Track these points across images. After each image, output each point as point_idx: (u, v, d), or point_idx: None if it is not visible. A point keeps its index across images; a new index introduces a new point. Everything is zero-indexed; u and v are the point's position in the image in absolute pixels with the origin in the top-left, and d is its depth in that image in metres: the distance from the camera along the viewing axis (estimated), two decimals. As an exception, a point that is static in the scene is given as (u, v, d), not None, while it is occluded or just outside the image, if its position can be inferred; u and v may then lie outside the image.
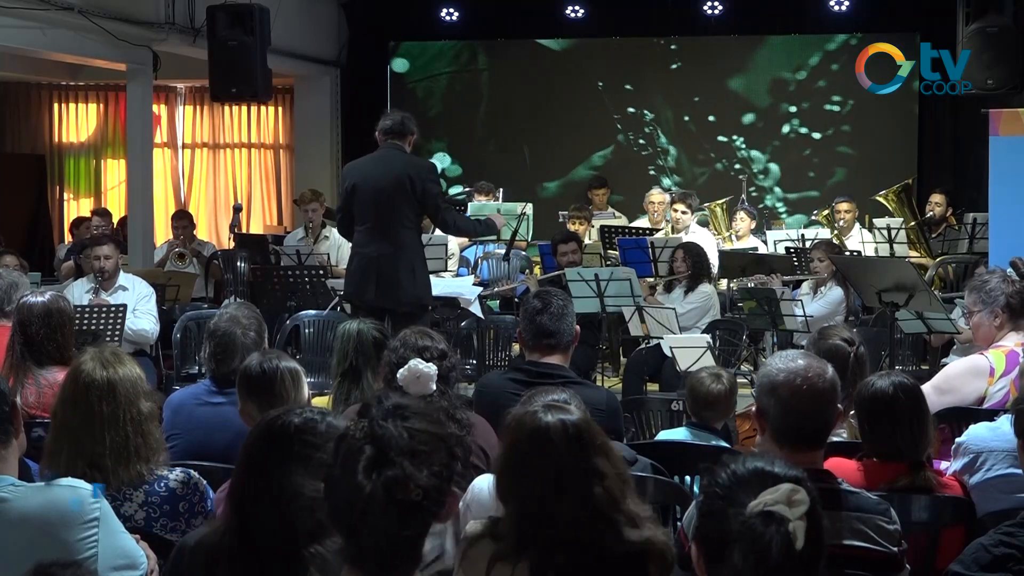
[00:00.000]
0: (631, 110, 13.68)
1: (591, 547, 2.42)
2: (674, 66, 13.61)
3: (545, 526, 2.43)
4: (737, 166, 13.46)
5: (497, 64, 13.99)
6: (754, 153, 13.46)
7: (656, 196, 11.26)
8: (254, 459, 2.47)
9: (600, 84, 13.68)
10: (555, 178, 13.81)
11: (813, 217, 12.08)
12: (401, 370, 3.68)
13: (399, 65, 14.02)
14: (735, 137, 13.46)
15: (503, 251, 10.04)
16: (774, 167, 13.45)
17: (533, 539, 2.44)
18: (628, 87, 13.63)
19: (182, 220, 10.73)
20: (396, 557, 2.01)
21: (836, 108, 13.28)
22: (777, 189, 13.48)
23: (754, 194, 13.10)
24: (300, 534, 2.40)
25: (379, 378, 4.03)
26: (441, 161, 13.79)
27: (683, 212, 10.20)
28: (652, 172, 13.64)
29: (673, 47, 13.57)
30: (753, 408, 3.08)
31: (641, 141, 13.71)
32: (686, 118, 13.61)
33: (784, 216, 13.25)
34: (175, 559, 2.64)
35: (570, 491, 2.44)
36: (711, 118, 13.51)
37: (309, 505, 2.38)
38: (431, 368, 3.70)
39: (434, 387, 3.73)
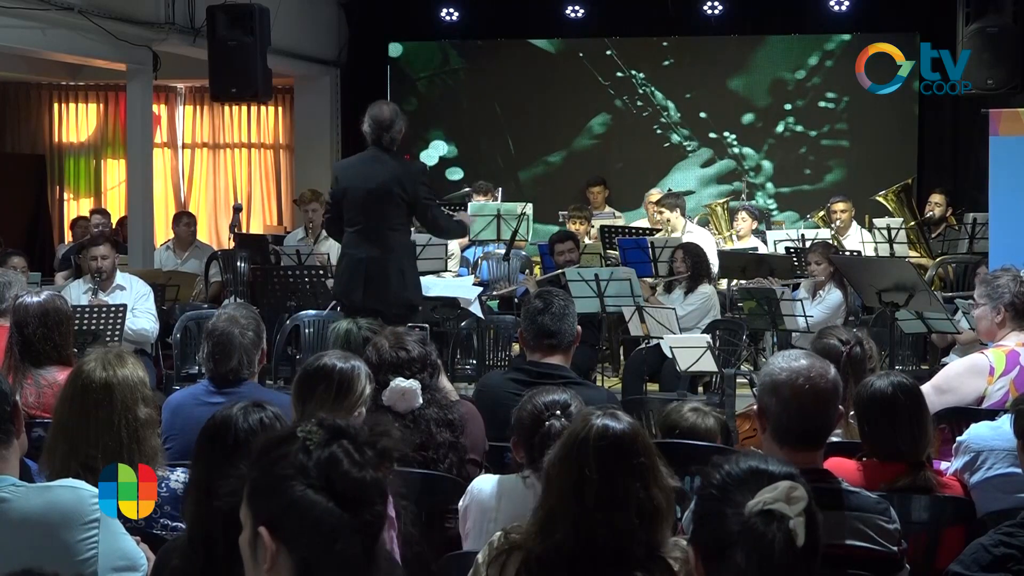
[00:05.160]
0: (620, 75, 13.68)
1: (627, 558, 2.39)
2: (666, 63, 13.62)
3: (590, 530, 2.40)
4: (730, 162, 13.48)
5: (493, 62, 13.99)
6: (746, 150, 13.47)
7: (655, 196, 11.26)
8: (200, 453, 2.53)
9: (581, 54, 13.70)
10: (559, 149, 13.83)
11: (808, 218, 12.08)
12: (385, 392, 3.73)
13: (394, 50, 14.05)
14: (727, 133, 13.47)
15: (503, 251, 10.04)
16: (767, 164, 13.45)
17: (571, 541, 2.41)
18: (608, 52, 13.64)
19: (186, 217, 10.72)
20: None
21: (831, 105, 13.28)
22: (769, 185, 13.49)
23: (746, 190, 13.11)
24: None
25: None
26: (438, 149, 13.87)
27: (659, 212, 10.21)
28: (658, 131, 13.66)
29: (665, 44, 13.58)
30: (755, 407, 3.08)
31: (639, 103, 13.71)
32: (679, 114, 13.62)
33: (776, 214, 13.26)
34: (157, 562, 2.66)
35: (626, 500, 2.41)
36: (702, 115, 13.51)
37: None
38: (414, 384, 3.74)
39: (420, 400, 3.78)
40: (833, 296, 8.30)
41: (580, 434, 2.49)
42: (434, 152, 13.95)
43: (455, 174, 13.82)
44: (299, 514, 1.83)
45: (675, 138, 13.62)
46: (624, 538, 2.40)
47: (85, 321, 6.75)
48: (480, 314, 8.22)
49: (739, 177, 13.19)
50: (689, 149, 13.61)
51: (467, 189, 11.44)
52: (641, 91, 13.66)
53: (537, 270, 10.16)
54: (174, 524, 3.27)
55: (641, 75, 13.63)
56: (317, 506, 1.82)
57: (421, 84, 14.06)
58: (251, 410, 2.58)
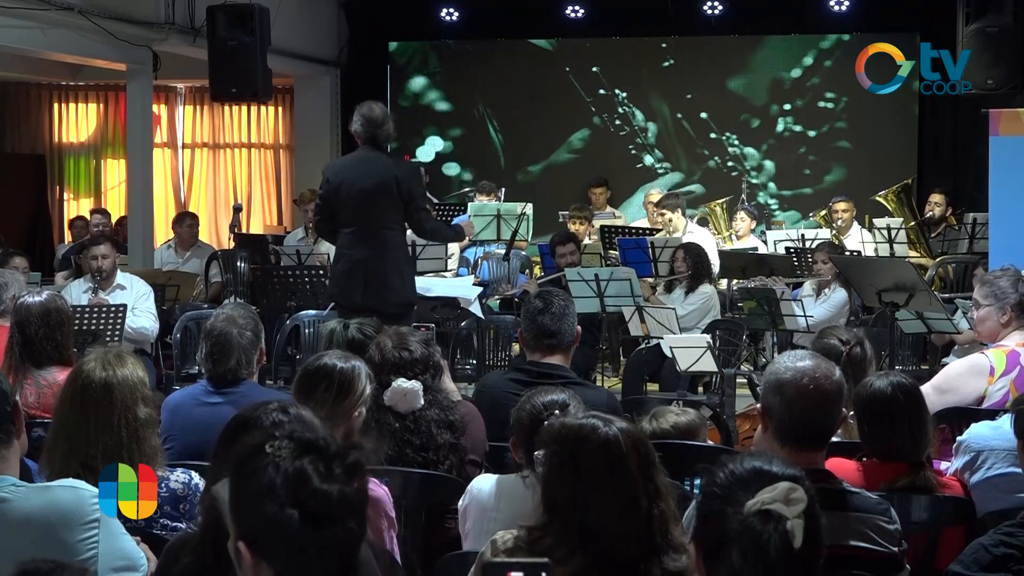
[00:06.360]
0: (602, 92, 13.70)
1: (635, 566, 2.36)
2: (666, 64, 13.63)
3: (595, 539, 2.36)
4: (730, 163, 13.48)
5: (492, 63, 14.00)
6: (748, 150, 13.47)
7: (655, 197, 11.25)
8: (219, 449, 2.52)
9: (568, 69, 13.71)
10: (536, 162, 13.88)
11: (811, 217, 12.07)
12: (386, 393, 3.73)
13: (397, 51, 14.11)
14: (728, 134, 13.47)
15: (503, 251, 10.04)
16: (768, 164, 13.46)
17: (579, 550, 2.37)
18: (595, 69, 13.66)
19: (189, 219, 10.69)
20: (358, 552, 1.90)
21: (831, 105, 13.28)
22: (771, 185, 13.49)
23: (746, 191, 13.11)
24: None
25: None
26: (434, 145, 13.90)
27: (660, 214, 10.18)
28: (633, 151, 13.69)
29: (664, 44, 13.59)
30: (757, 407, 3.08)
31: (617, 122, 13.72)
32: (679, 115, 13.63)
33: (777, 213, 13.25)
34: (163, 560, 2.65)
35: (634, 507, 2.37)
36: (703, 115, 13.52)
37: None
38: (415, 385, 3.74)
39: (421, 402, 3.78)
40: (838, 295, 8.31)
41: (575, 442, 2.46)
42: (431, 148, 13.98)
43: (451, 169, 13.88)
44: (273, 531, 1.80)
45: (648, 160, 13.63)
46: (633, 544, 2.37)
47: (85, 321, 6.74)
48: (480, 314, 8.22)
49: (705, 203, 12.99)
50: (660, 171, 13.61)
51: (468, 190, 11.43)
52: (621, 111, 13.68)
53: (537, 270, 10.15)
54: (174, 524, 3.27)
55: (624, 94, 13.63)
56: (289, 524, 1.79)
57: (414, 82, 14.08)
58: (279, 413, 2.56)
